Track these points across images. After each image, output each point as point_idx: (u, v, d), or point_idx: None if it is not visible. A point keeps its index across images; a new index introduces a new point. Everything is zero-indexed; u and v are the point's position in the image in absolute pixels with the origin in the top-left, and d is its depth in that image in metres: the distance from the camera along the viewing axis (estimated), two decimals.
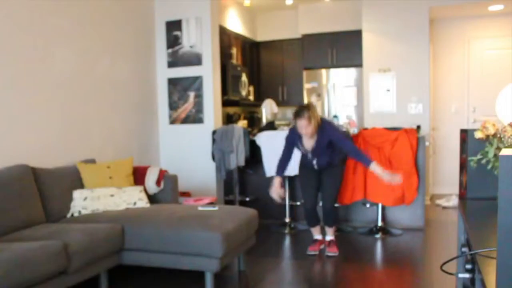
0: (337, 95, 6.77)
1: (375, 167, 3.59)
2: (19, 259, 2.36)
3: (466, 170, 2.19)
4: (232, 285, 3.45)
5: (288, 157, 3.93)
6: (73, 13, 4.09)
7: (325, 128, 3.77)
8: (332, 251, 3.97)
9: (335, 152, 3.89)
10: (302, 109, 3.71)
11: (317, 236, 4.14)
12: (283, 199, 4.00)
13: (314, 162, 3.92)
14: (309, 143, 3.82)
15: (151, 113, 5.31)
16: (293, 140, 3.88)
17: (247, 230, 3.40)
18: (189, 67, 5.26)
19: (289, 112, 7.49)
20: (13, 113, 3.47)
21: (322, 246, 4.10)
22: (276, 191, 3.80)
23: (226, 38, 6.22)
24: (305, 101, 6.94)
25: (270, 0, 6.72)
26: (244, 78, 6.50)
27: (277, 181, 3.83)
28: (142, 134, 5.14)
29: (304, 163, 4.02)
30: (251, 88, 6.96)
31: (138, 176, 4.08)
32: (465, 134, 2.21)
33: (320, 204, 4.06)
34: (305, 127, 3.67)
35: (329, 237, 4.10)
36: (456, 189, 6.05)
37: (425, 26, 5.87)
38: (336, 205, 4.13)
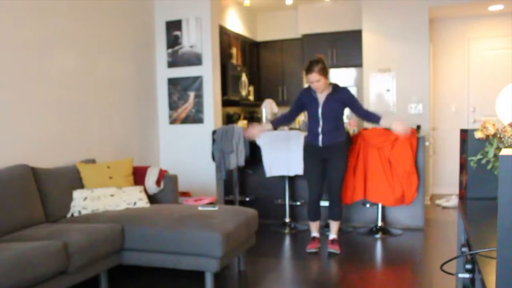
0: None
1: (383, 122, 3.82)
2: (19, 259, 2.36)
3: (466, 170, 2.19)
4: (232, 285, 3.45)
5: (290, 116, 4.08)
6: (73, 13, 4.09)
7: (340, 88, 3.91)
8: (334, 248, 3.98)
9: (341, 127, 3.97)
10: (312, 63, 3.79)
11: (315, 233, 4.14)
12: (253, 141, 4.20)
13: (320, 138, 3.92)
14: (321, 97, 3.90)
15: (151, 113, 5.31)
16: (303, 99, 3.97)
17: (247, 230, 3.40)
18: (189, 67, 5.26)
19: None
20: (13, 113, 3.47)
21: (320, 245, 4.09)
22: (255, 130, 4.00)
23: (226, 38, 6.22)
24: None
25: (270, 0, 6.72)
26: (244, 78, 6.50)
27: (265, 124, 4.07)
28: (142, 134, 5.14)
29: (309, 141, 4.03)
30: (251, 88, 6.96)
31: (138, 176, 4.08)
32: (465, 134, 2.21)
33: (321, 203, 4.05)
34: (317, 81, 3.77)
35: (333, 235, 4.10)
36: (456, 189, 6.05)
37: (425, 26, 5.87)
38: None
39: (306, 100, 3.96)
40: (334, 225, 4.12)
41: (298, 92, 4.14)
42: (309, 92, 3.94)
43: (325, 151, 3.94)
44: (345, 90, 3.94)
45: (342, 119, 4.03)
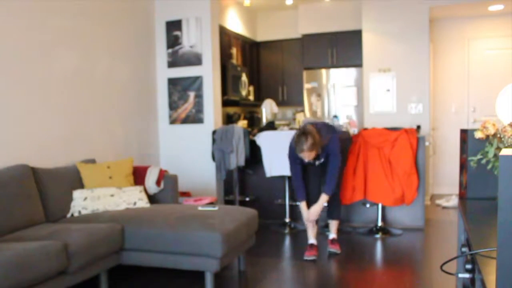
0: (337, 95, 6.77)
1: (323, 198, 3.77)
2: (19, 259, 2.36)
3: (466, 170, 2.19)
4: (232, 285, 3.45)
5: (300, 176, 3.86)
6: (73, 13, 4.09)
7: (328, 144, 3.73)
8: (335, 248, 3.98)
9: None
10: (301, 140, 3.55)
11: (312, 240, 4.03)
12: (317, 219, 3.96)
13: (316, 162, 3.92)
14: (313, 159, 3.78)
15: (151, 113, 5.31)
16: (295, 157, 3.78)
17: (247, 230, 3.40)
18: (189, 67, 5.26)
19: (289, 112, 7.49)
20: (13, 113, 3.47)
21: (318, 253, 4.00)
22: (308, 215, 3.83)
23: (226, 38, 6.22)
24: (305, 101, 6.95)
25: (270, 0, 6.72)
26: (244, 78, 6.50)
27: (303, 205, 3.86)
28: (142, 134, 5.14)
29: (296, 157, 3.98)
30: (251, 88, 6.96)
31: (138, 176, 4.08)
32: (465, 134, 2.21)
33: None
34: (308, 155, 3.60)
35: (332, 235, 4.10)
36: (456, 189, 6.05)
37: (425, 26, 5.87)
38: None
39: (298, 158, 3.77)
40: (333, 225, 4.12)
41: (289, 148, 3.85)
42: (297, 157, 3.76)
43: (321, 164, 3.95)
44: (331, 146, 3.74)
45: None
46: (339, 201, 4.12)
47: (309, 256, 3.91)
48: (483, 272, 1.13)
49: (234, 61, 6.45)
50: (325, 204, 4.18)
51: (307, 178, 4.05)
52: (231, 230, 3.10)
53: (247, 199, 5.32)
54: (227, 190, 5.44)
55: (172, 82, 5.33)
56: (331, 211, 4.10)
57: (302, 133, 3.60)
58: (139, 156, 4.99)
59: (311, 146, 3.53)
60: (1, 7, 3.39)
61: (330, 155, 3.79)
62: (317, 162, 3.89)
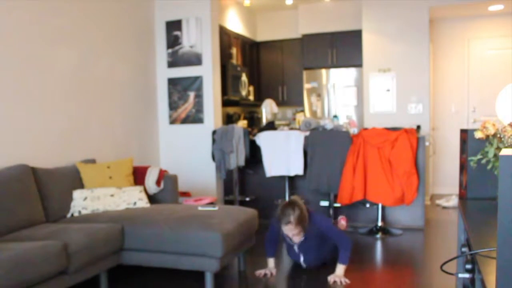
0: (337, 95, 6.77)
1: (341, 268, 3.33)
2: (19, 259, 2.36)
3: (466, 170, 2.19)
4: (232, 285, 3.45)
5: (275, 240, 3.54)
6: (73, 13, 4.09)
7: (313, 221, 3.37)
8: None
9: (326, 247, 3.50)
10: (287, 212, 3.23)
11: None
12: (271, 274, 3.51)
13: (302, 259, 3.52)
14: (296, 238, 3.42)
15: (151, 113, 5.31)
16: (277, 230, 3.44)
17: (247, 230, 3.40)
18: (189, 67, 5.26)
19: (289, 112, 7.49)
20: (13, 113, 3.47)
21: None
22: (270, 272, 3.48)
23: (226, 38, 6.22)
24: (305, 101, 6.95)
25: (270, 0, 6.72)
26: (244, 78, 6.50)
27: (271, 262, 3.52)
28: (142, 134, 5.14)
29: (290, 255, 3.64)
30: (251, 88, 6.96)
31: (138, 176, 4.08)
32: (465, 134, 2.21)
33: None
34: (292, 232, 3.29)
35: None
36: (456, 189, 6.05)
37: (425, 26, 5.87)
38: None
39: (281, 233, 3.44)
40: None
41: (272, 221, 3.53)
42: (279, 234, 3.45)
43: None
44: (319, 222, 3.38)
45: (326, 240, 3.48)
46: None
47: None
48: (483, 272, 1.13)
49: (234, 61, 6.45)
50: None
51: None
52: (231, 230, 3.10)
53: (247, 199, 5.32)
54: (227, 190, 5.44)
55: (172, 82, 5.33)
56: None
57: (288, 204, 3.29)
58: (139, 156, 4.99)
59: (296, 222, 3.21)
60: (1, 7, 3.39)
61: (330, 235, 3.41)
62: (301, 258, 3.51)
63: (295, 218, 3.22)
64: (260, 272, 3.49)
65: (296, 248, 3.51)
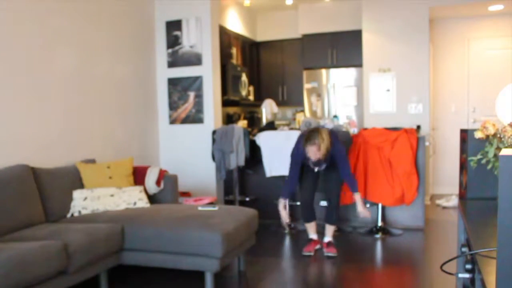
0: (337, 95, 6.77)
1: (357, 196, 3.81)
2: (19, 259, 2.36)
3: (466, 170, 2.19)
4: (232, 285, 3.45)
5: (296, 177, 3.88)
6: (73, 13, 4.09)
7: (333, 146, 3.73)
8: (331, 252, 3.97)
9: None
10: (313, 135, 3.63)
11: (313, 235, 4.13)
12: (289, 222, 4.08)
13: (316, 168, 3.93)
14: (318, 158, 3.76)
15: (151, 113, 5.31)
16: (300, 157, 3.81)
17: (247, 230, 3.40)
18: (189, 67, 5.26)
19: (289, 112, 7.49)
20: (13, 113, 3.47)
21: (317, 247, 4.09)
22: (283, 214, 3.85)
23: (226, 38, 6.22)
24: (305, 101, 6.95)
25: (270, 0, 6.72)
26: (244, 78, 6.50)
27: (281, 204, 3.84)
28: (142, 134, 5.14)
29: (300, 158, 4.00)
30: (251, 88, 6.96)
31: (138, 176, 4.08)
32: (465, 134, 2.21)
33: (321, 203, 4.04)
34: (315, 153, 3.63)
35: (328, 238, 4.09)
36: (456, 189, 6.05)
37: (425, 26, 5.87)
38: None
39: (303, 158, 3.83)
40: (330, 229, 4.09)
41: (296, 147, 3.88)
42: (303, 157, 3.80)
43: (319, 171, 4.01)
44: (336, 150, 3.77)
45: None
46: (338, 206, 4.08)
47: (306, 252, 4.00)
48: (483, 272, 1.13)
49: (234, 61, 6.45)
50: (324, 204, 4.19)
51: (301, 182, 4.06)
52: (231, 230, 3.10)
53: (247, 199, 5.32)
54: (227, 190, 5.44)
55: (172, 82, 5.33)
56: (330, 215, 4.06)
57: (316, 129, 3.70)
58: (139, 156, 4.99)
59: (322, 144, 3.58)
60: (2, 7, 3.39)
61: (338, 160, 3.79)
62: (316, 168, 3.89)
63: (318, 142, 3.58)
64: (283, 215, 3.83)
65: (312, 165, 3.83)
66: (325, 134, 3.65)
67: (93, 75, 4.35)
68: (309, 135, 3.66)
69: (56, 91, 3.89)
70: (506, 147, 1.84)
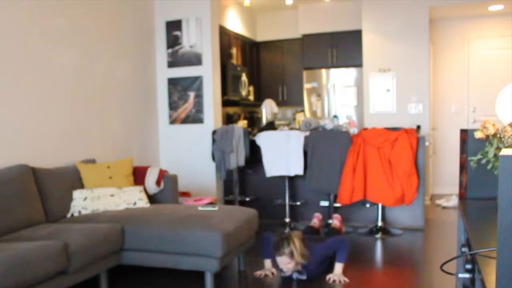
0: (337, 95, 6.77)
1: (338, 267, 3.35)
2: (19, 259, 2.36)
3: (466, 170, 2.19)
4: (232, 285, 3.45)
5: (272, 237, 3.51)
6: (73, 13, 4.09)
7: (313, 253, 3.31)
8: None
9: (327, 259, 3.47)
10: (282, 243, 3.20)
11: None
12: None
13: (294, 276, 3.37)
14: (288, 268, 3.29)
15: (151, 113, 5.31)
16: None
17: (247, 230, 3.40)
18: (189, 67, 5.26)
19: (289, 112, 7.49)
20: (13, 113, 3.47)
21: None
22: (271, 272, 3.49)
23: (226, 38, 6.22)
24: (305, 101, 6.95)
25: (270, 0, 6.72)
26: (244, 78, 6.50)
27: (268, 263, 3.51)
28: (142, 134, 5.14)
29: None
30: (251, 88, 6.96)
31: (138, 176, 4.08)
32: (465, 134, 2.21)
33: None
34: (286, 264, 3.24)
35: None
36: (456, 189, 6.05)
37: (425, 26, 5.87)
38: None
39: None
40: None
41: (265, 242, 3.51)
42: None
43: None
44: (316, 253, 3.32)
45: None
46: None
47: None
48: (483, 272, 1.13)
49: (234, 61, 6.45)
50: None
51: None
52: (231, 230, 3.10)
53: (247, 199, 5.32)
54: (227, 190, 5.44)
55: (172, 82, 5.33)
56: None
57: (284, 237, 3.25)
58: (139, 156, 4.99)
59: (290, 254, 3.18)
60: (2, 7, 3.39)
61: (326, 252, 3.42)
62: (295, 276, 3.36)
63: (289, 250, 3.18)
64: (261, 273, 3.48)
65: (294, 275, 3.36)
66: (297, 240, 3.20)
67: (93, 75, 4.35)
68: (277, 243, 3.23)
69: (56, 91, 3.89)
70: (506, 147, 1.84)
